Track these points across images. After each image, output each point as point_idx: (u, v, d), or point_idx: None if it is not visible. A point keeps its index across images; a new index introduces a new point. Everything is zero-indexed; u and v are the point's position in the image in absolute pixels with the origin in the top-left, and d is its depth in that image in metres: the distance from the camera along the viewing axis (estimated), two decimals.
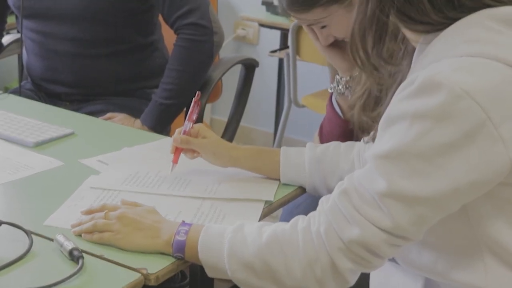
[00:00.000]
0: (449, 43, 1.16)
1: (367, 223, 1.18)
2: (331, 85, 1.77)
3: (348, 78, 1.73)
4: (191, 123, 1.65)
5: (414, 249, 1.26)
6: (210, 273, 1.32)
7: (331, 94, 1.79)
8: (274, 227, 1.28)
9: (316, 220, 1.24)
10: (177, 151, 1.64)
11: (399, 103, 1.16)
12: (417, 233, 1.18)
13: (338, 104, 1.77)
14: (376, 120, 1.43)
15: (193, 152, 1.65)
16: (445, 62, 1.14)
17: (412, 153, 1.13)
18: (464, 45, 1.14)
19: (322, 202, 1.26)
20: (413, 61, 1.26)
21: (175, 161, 1.64)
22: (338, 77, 1.75)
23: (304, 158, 1.61)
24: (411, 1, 1.17)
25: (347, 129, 1.75)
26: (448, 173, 1.12)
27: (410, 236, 1.18)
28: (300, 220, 1.27)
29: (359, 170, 1.22)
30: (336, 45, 1.71)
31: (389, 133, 1.16)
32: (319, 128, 1.85)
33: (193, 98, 1.69)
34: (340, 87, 1.75)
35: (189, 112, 1.67)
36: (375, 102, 1.56)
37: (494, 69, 1.12)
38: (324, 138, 1.79)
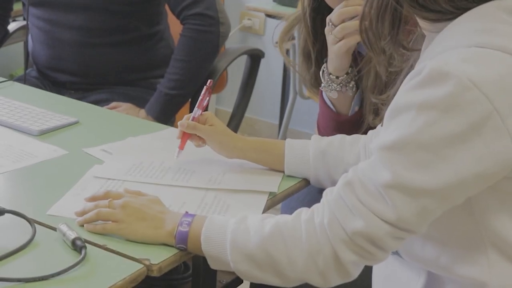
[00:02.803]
0: (458, 33, 1.16)
1: (371, 215, 1.17)
2: (323, 85, 1.78)
3: (343, 76, 1.74)
4: (200, 110, 1.64)
5: (417, 242, 1.26)
6: (213, 265, 1.31)
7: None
8: (277, 219, 1.28)
9: (319, 211, 1.24)
10: (184, 137, 1.64)
11: (406, 93, 1.15)
12: (421, 226, 1.18)
13: (329, 98, 1.79)
14: (385, 103, 1.43)
15: (199, 139, 1.65)
16: (453, 52, 1.13)
17: (417, 144, 1.12)
18: (473, 35, 1.14)
19: (326, 193, 1.25)
20: (422, 49, 1.26)
21: (181, 147, 1.64)
22: (332, 76, 1.76)
23: (308, 150, 1.60)
24: None
25: (340, 121, 1.78)
26: (453, 165, 1.11)
27: (414, 229, 1.18)
28: (303, 212, 1.26)
29: (364, 162, 1.21)
30: (348, 51, 1.71)
31: (395, 124, 1.16)
32: (317, 124, 1.86)
33: (205, 85, 1.68)
34: (335, 85, 1.76)
35: (199, 99, 1.66)
36: (385, 85, 1.57)
37: (503, 61, 1.11)
38: (321, 133, 1.79)
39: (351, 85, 1.75)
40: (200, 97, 1.66)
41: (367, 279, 1.43)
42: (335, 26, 1.67)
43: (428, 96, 1.11)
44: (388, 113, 1.18)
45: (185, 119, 1.63)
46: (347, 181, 1.21)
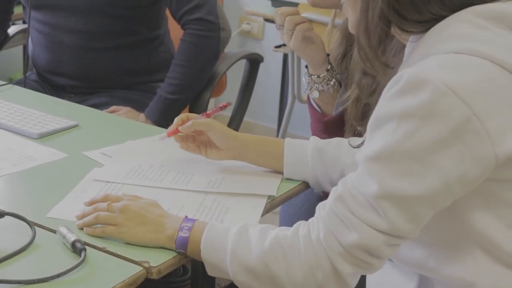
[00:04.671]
0: (435, 39, 1.17)
1: (365, 226, 1.18)
2: (306, 88, 1.84)
3: (324, 73, 1.80)
4: (205, 118, 1.65)
5: (407, 246, 1.27)
6: (210, 272, 1.32)
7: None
8: (277, 232, 1.28)
9: (315, 227, 1.25)
10: (175, 131, 1.64)
11: (386, 103, 1.17)
12: (414, 231, 1.19)
13: (314, 100, 1.85)
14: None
15: (187, 140, 1.65)
16: (430, 59, 1.15)
17: (401, 153, 1.14)
18: (449, 41, 1.15)
19: (319, 208, 1.26)
20: (404, 58, 1.27)
21: (169, 135, 1.66)
22: (314, 76, 1.81)
23: (307, 150, 1.60)
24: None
25: (326, 122, 1.83)
26: (438, 170, 1.13)
27: (407, 235, 1.19)
28: (301, 226, 1.27)
29: (352, 174, 1.22)
30: (309, 41, 1.78)
31: (378, 135, 1.17)
32: (310, 128, 1.91)
33: (221, 105, 1.68)
34: (317, 85, 1.82)
35: (210, 111, 1.65)
36: (369, 110, 1.59)
37: (479, 66, 1.13)
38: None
39: (332, 83, 1.81)
40: (211, 110, 1.65)
41: (361, 285, 1.43)
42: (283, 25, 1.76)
43: (407, 105, 1.13)
44: (370, 123, 1.20)
45: (178, 120, 1.64)
46: (337, 195, 1.22)
